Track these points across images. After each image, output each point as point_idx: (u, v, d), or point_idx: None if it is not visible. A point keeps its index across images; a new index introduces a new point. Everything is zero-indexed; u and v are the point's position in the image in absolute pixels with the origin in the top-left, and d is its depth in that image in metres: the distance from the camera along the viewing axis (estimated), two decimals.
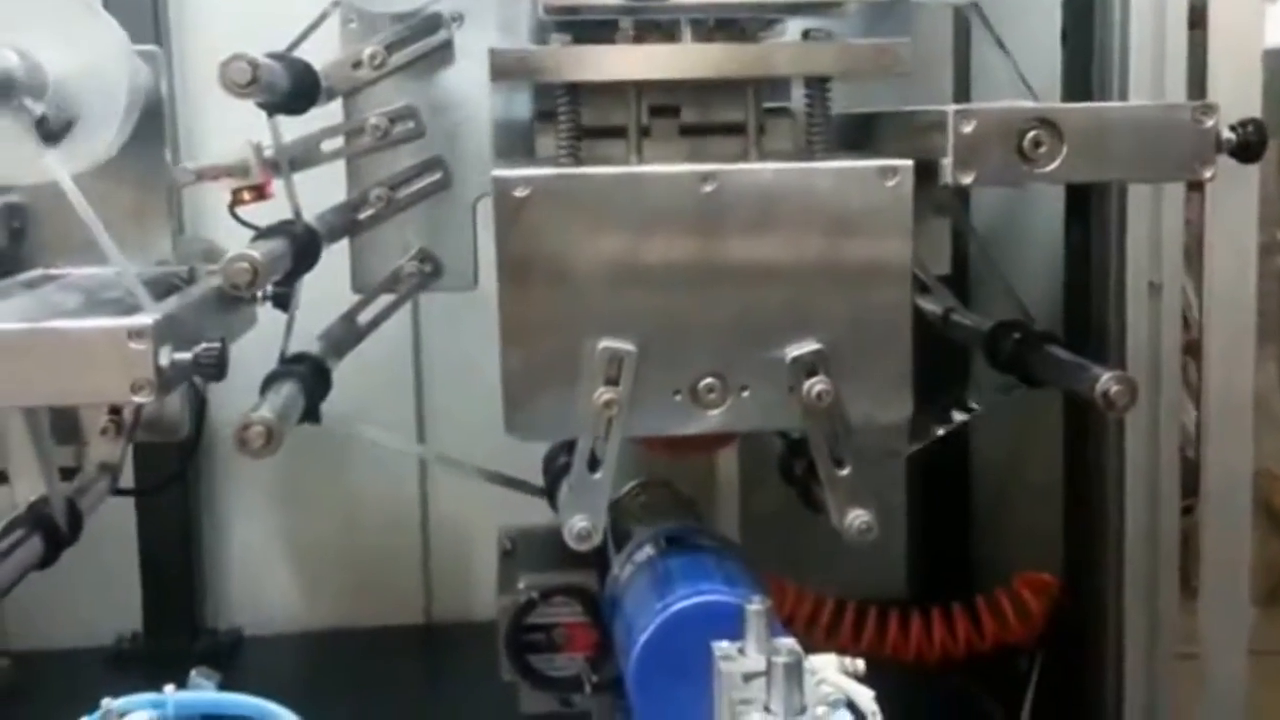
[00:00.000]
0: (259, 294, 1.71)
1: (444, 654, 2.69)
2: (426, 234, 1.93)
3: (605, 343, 1.49)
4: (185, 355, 1.43)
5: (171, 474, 2.46)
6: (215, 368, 1.44)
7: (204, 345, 1.44)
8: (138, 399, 1.39)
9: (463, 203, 1.93)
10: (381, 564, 2.72)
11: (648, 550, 1.73)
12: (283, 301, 1.86)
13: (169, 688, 1.40)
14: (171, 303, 1.52)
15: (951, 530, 2.66)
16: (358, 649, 2.64)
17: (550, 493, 1.81)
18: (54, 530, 1.68)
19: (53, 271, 1.85)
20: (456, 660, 2.57)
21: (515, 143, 1.90)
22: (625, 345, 1.49)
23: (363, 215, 1.92)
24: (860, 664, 1.27)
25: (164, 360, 1.40)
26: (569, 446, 1.73)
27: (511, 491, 2.37)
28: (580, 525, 1.53)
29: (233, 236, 1.80)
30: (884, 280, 1.51)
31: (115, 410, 1.92)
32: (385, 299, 1.93)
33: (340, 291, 1.92)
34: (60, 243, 1.88)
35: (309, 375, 1.70)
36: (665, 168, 1.52)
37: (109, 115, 1.59)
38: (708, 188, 1.49)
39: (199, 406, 2.38)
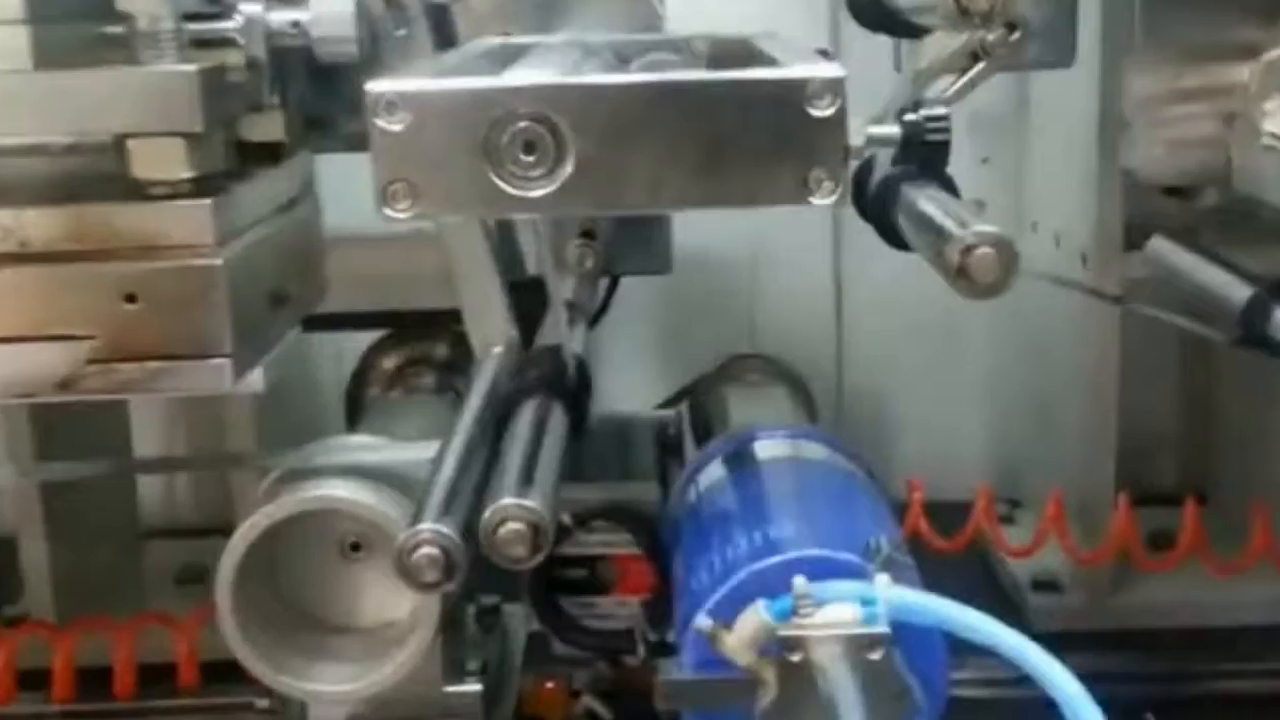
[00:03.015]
0: None
1: None
2: None
3: None
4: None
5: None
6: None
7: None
8: (824, 200, 0.84)
9: None
10: None
11: (717, 468, 1.26)
12: None
13: (882, 578, 0.94)
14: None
15: None
16: None
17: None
18: (573, 395, 1.13)
19: (510, 40, 1.29)
20: None
21: None
22: None
23: None
24: None
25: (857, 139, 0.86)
26: None
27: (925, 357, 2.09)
28: None
29: None
30: None
31: (588, 233, 1.38)
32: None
33: None
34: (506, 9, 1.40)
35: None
36: None
37: None
38: None
39: None
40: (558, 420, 1.09)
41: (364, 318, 1.67)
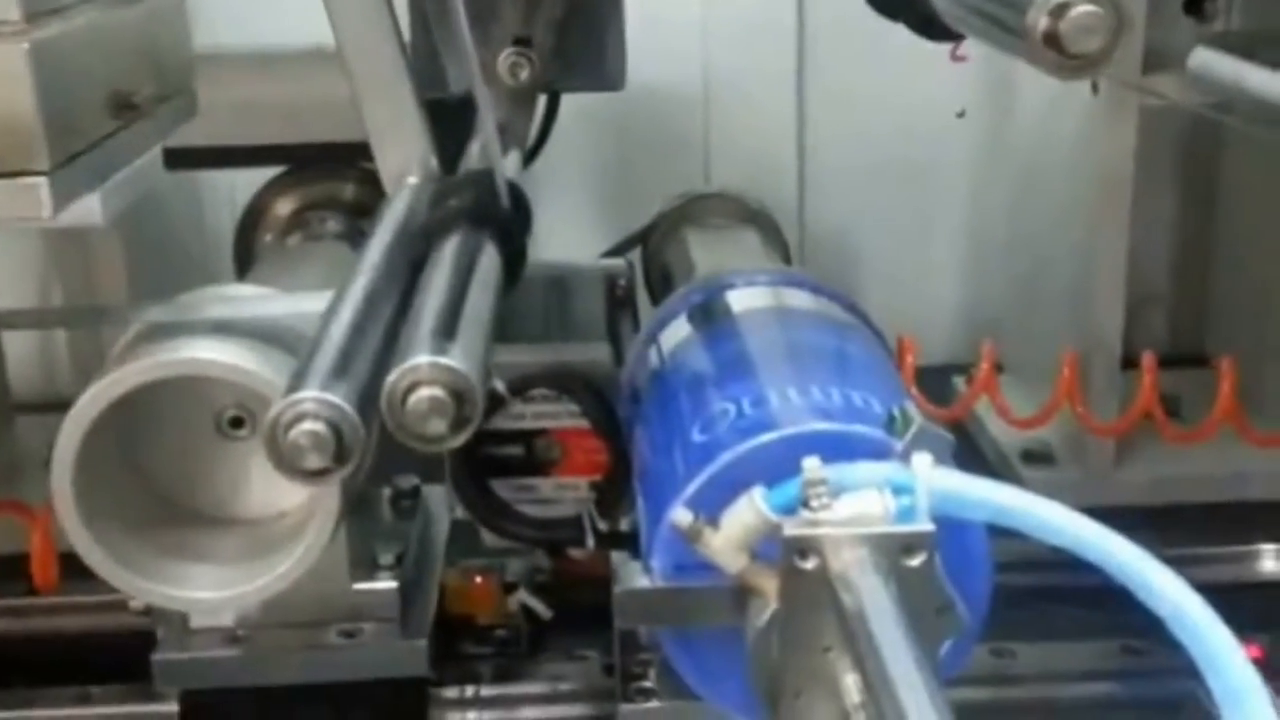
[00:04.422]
0: None
1: None
2: None
3: None
4: None
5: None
6: None
7: None
8: None
9: None
10: None
11: (686, 323, 1.03)
12: None
13: (921, 458, 0.70)
14: None
15: None
16: None
17: None
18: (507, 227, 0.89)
19: None
20: None
21: None
22: None
23: None
24: None
25: None
26: None
27: (897, 201, 1.90)
28: None
29: None
30: None
31: (522, 39, 1.12)
32: None
33: None
34: None
35: None
36: None
37: None
38: None
39: None
40: (489, 258, 0.84)
41: (256, 152, 1.41)
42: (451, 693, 1.18)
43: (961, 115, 1.88)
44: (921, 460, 0.70)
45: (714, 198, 1.47)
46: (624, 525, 1.08)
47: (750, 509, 0.71)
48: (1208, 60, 1.22)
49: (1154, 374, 1.35)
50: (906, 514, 0.68)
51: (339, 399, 0.65)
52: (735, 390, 0.86)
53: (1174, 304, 1.90)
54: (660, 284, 1.40)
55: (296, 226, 1.43)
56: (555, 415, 1.10)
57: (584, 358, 1.10)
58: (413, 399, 0.65)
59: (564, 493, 1.12)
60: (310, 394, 0.65)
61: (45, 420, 1.67)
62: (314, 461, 0.64)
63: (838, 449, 0.73)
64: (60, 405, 1.77)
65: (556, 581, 1.29)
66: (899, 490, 0.69)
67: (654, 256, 1.43)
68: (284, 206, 1.45)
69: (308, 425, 0.64)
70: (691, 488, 0.78)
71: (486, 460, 1.10)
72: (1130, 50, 1.39)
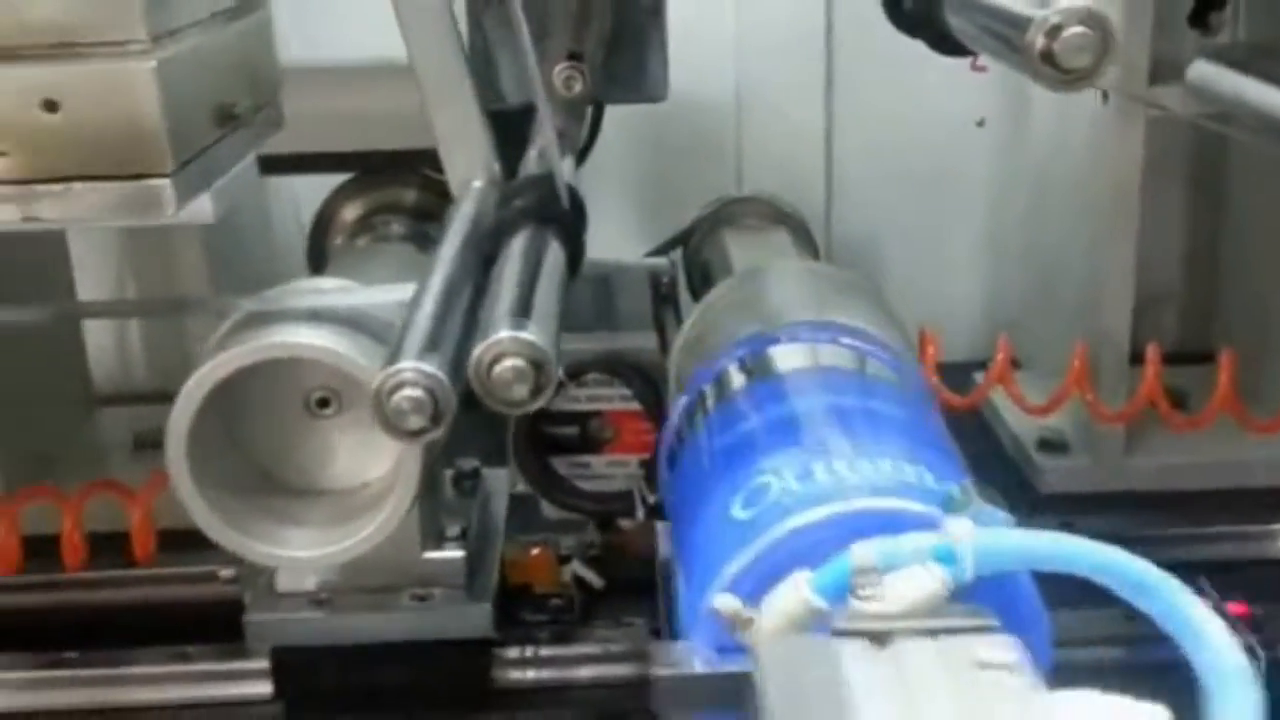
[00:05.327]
0: None
1: None
2: None
3: None
4: None
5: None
6: None
7: None
8: None
9: None
10: None
11: (733, 367, 1.00)
12: None
13: (959, 524, 0.66)
14: None
15: None
16: None
17: None
18: (568, 225, 0.97)
19: None
20: None
21: None
22: None
23: None
24: None
25: None
26: None
27: (919, 205, 1.92)
28: None
29: None
30: None
31: (575, 55, 1.20)
32: None
33: None
34: None
35: None
36: None
37: None
38: None
39: None
40: (553, 253, 0.93)
41: (325, 159, 1.48)
42: (513, 653, 1.23)
43: (981, 125, 1.94)
44: (958, 525, 0.66)
45: (749, 201, 1.54)
46: None
47: (795, 596, 0.66)
48: (1207, 73, 1.28)
49: (1157, 365, 1.39)
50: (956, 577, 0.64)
51: (433, 368, 0.73)
52: (779, 461, 0.82)
53: (1184, 302, 1.94)
54: (700, 281, 1.47)
55: (363, 230, 1.51)
56: (608, 399, 1.18)
57: (634, 345, 1.18)
58: (498, 369, 0.73)
59: (616, 469, 1.20)
60: (409, 364, 0.73)
61: (126, 411, 1.76)
62: (414, 423, 0.73)
63: (889, 527, 0.69)
64: (136, 398, 1.85)
65: (607, 555, 1.35)
66: (942, 559, 0.65)
67: (694, 255, 1.50)
68: (351, 211, 1.53)
69: (408, 391, 0.73)
70: (732, 569, 0.74)
71: (546, 439, 1.18)
72: (1137, 62, 1.44)
